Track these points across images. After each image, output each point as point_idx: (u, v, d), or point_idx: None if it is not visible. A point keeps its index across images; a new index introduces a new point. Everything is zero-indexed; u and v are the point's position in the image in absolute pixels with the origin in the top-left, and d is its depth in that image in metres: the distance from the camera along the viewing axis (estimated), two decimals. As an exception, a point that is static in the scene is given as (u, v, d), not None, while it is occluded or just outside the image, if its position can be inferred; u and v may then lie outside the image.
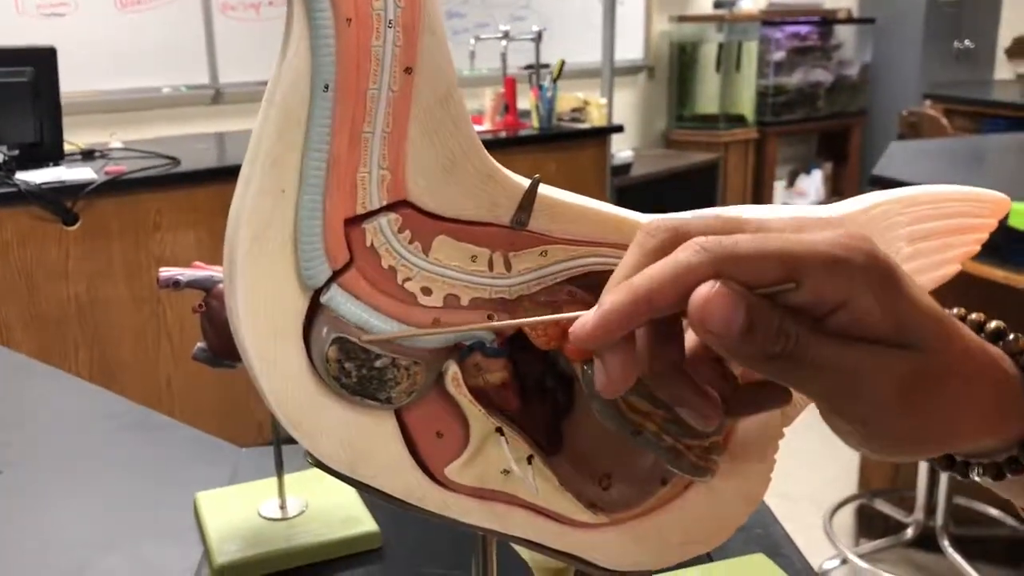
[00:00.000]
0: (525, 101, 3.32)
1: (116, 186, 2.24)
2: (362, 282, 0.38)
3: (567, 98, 3.32)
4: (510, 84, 3.26)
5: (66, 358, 2.24)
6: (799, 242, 0.30)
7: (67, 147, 2.47)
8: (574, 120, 3.31)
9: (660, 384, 0.34)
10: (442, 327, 0.39)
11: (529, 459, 0.43)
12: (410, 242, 0.39)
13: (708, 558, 0.75)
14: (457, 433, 0.41)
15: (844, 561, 2.06)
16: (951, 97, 4.13)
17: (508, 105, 3.26)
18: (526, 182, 0.40)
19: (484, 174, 0.39)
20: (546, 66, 3.26)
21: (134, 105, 3.34)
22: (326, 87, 0.36)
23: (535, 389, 0.43)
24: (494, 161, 0.39)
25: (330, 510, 0.79)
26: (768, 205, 0.47)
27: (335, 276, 0.38)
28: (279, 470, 0.79)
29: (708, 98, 4.86)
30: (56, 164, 2.37)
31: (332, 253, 0.37)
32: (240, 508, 0.80)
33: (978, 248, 0.50)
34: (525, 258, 0.41)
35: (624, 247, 0.43)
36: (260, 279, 0.37)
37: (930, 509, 2.04)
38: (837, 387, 0.30)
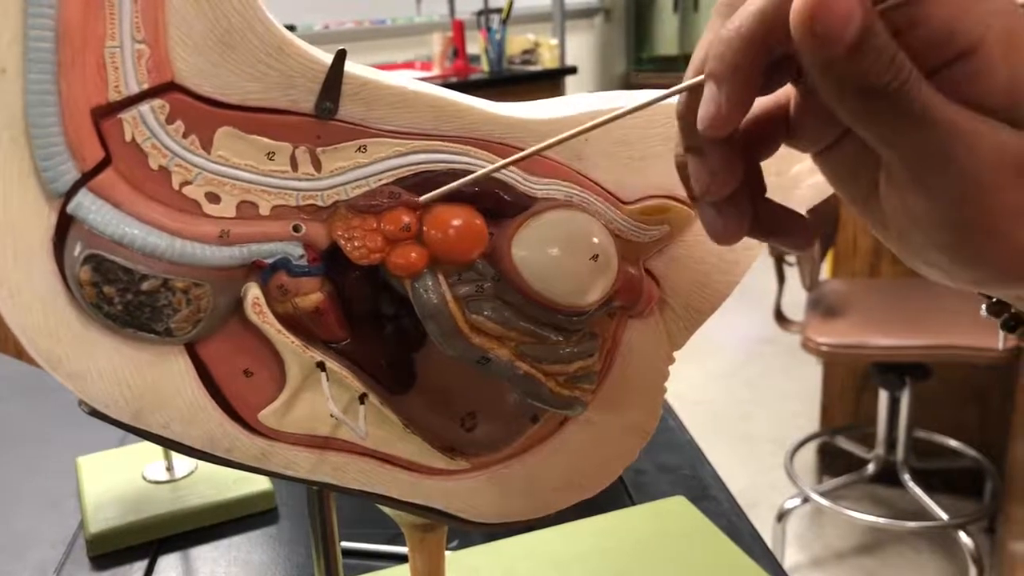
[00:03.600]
0: (475, 46, 3.22)
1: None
2: (122, 186, 0.31)
3: (517, 40, 3.22)
4: (458, 28, 3.15)
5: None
6: None
7: None
8: (525, 63, 3.21)
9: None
10: (235, 241, 0.32)
11: (362, 398, 0.36)
12: (184, 135, 0.31)
13: (630, 501, 0.69)
14: (270, 371, 0.35)
15: (806, 500, 2.04)
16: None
17: (457, 50, 3.16)
18: (329, 57, 0.32)
19: (272, 46, 0.31)
20: (497, 11, 3.16)
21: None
22: (43, -69, 0.28)
23: (371, 316, 0.37)
24: (285, 30, 0.32)
25: (221, 470, 0.73)
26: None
27: (86, 179, 0.30)
28: (163, 429, 0.72)
29: (667, 39, 4.76)
30: None
31: (77, 149, 0.30)
32: (123, 472, 0.73)
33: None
34: (338, 155, 0.33)
35: (465, 140, 0.36)
36: (-15, 185, 0.30)
37: (891, 444, 2.01)
38: (932, 147, 0.25)
